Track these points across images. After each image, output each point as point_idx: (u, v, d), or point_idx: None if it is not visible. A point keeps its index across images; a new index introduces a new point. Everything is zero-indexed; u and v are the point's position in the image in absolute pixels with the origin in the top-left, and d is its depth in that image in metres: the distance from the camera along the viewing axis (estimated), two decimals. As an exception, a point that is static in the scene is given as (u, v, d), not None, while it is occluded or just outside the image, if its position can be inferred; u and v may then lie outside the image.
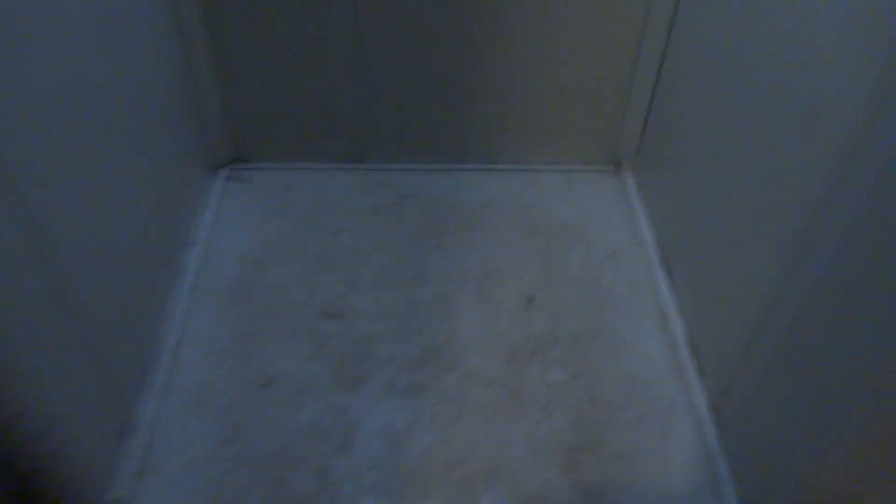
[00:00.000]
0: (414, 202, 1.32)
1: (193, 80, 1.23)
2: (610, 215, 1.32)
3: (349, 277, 1.18)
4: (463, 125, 1.36)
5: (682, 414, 1.03)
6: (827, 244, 0.75)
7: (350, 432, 0.98)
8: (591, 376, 1.06)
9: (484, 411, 1.02)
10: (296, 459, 0.96)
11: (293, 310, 1.13)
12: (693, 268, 1.12)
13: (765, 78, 0.89)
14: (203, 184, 1.32)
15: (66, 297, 0.79)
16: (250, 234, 1.25)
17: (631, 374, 1.07)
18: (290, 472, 0.94)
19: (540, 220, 1.30)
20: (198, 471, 0.94)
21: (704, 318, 1.07)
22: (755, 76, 0.91)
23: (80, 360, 0.83)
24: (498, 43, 1.24)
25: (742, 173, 0.95)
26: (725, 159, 1.00)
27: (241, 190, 1.34)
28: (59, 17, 0.78)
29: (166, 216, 1.13)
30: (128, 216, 0.97)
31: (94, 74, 0.86)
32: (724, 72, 1.00)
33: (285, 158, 1.40)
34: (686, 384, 1.05)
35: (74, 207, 0.81)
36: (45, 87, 0.75)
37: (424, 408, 1.02)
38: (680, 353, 1.09)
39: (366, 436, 0.98)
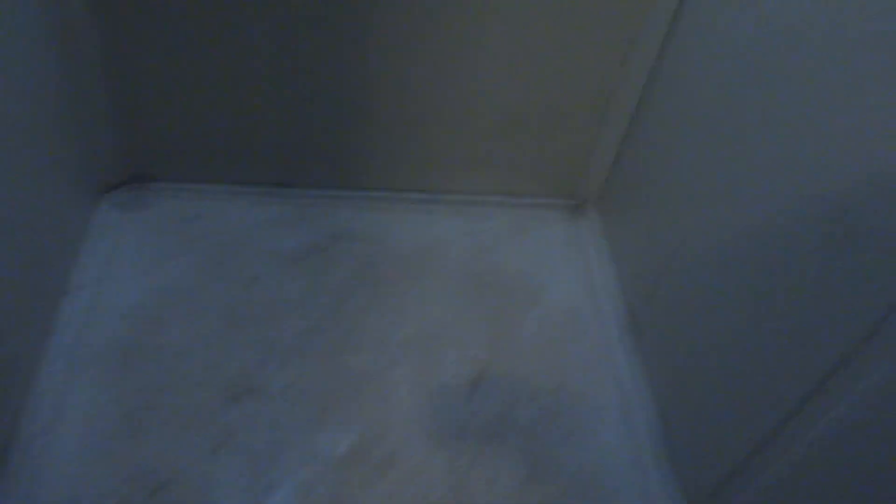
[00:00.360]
0: (346, 244, 1.12)
1: (74, 77, 0.99)
2: (571, 266, 1.15)
3: (264, 342, 0.98)
4: (405, 150, 1.16)
5: (651, 525, 0.88)
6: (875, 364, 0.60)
7: (259, 557, 0.80)
8: (551, 476, 0.91)
9: (424, 524, 0.85)
10: None
11: (194, 386, 0.93)
12: (665, 340, 0.97)
13: (767, 129, 0.73)
14: (86, 211, 1.09)
15: None
16: (145, 281, 1.03)
17: (594, 475, 0.92)
18: None
19: (491, 270, 1.12)
20: None
21: (679, 406, 0.92)
22: (756, 124, 0.76)
23: None
24: (451, 60, 1.04)
25: (740, 231, 0.80)
26: (716, 213, 0.84)
27: (137, 220, 1.12)
28: None
29: (33, 255, 0.91)
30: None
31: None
32: (718, 112, 0.84)
33: (194, 178, 1.18)
34: (649, 495, 0.91)
35: None
36: None
37: (352, 521, 0.84)
38: (645, 452, 0.94)
39: (279, 561, 0.80)
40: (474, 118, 1.12)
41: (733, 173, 0.81)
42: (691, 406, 0.89)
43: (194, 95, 1.06)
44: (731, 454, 0.78)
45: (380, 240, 1.14)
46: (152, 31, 0.98)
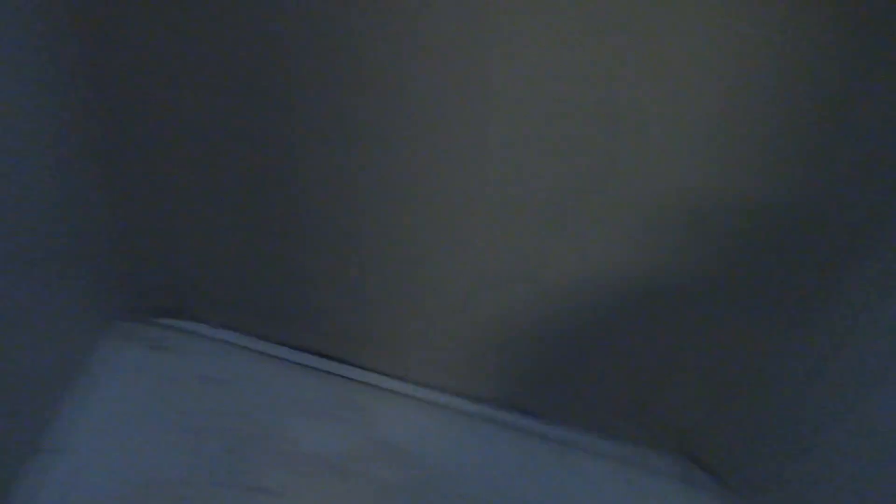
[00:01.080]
0: (392, 461, 0.87)
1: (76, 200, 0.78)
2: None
3: None
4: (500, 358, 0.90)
5: None
6: None
7: None
8: None
9: None
10: None
11: None
12: None
13: None
14: (82, 351, 0.87)
15: None
16: (130, 465, 0.80)
17: None
18: None
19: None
20: None
21: None
22: None
23: None
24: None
25: None
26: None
27: (151, 365, 0.89)
28: None
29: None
30: None
31: None
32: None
33: (230, 323, 0.95)
34: None
35: None
36: None
37: None
38: None
39: None
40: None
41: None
42: None
43: (239, 232, 0.84)
44: None
45: (439, 465, 0.87)
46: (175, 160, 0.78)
